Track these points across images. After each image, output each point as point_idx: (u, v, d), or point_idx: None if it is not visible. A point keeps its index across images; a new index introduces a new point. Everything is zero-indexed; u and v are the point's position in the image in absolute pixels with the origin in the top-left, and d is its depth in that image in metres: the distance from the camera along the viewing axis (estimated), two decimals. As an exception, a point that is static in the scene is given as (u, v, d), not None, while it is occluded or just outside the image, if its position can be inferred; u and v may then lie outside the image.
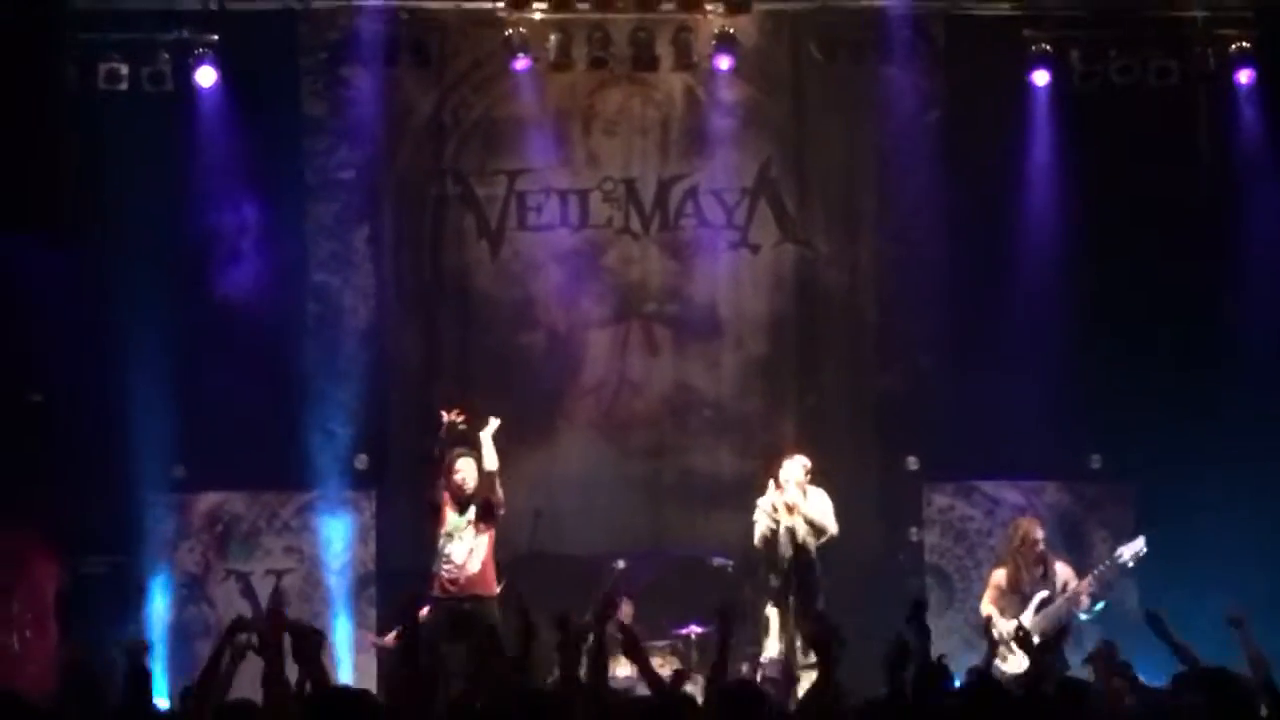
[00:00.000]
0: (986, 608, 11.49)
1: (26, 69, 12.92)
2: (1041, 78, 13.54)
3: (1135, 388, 13.22)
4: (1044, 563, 11.49)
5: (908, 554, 13.52)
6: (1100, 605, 11.45)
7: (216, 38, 13.29)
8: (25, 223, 12.90)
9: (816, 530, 11.61)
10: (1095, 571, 11.54)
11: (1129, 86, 13.44)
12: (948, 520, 13.56)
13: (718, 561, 12.78)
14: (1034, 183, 13.55)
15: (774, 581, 11.60)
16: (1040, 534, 11.58)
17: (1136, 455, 13.24)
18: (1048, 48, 13.49)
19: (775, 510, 11.59)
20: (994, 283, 13.49)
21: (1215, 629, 8.45)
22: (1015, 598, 11.42)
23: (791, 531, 11.57)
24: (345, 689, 7.50)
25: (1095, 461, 13.45)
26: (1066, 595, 11.33)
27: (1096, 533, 13.38)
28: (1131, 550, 11.49)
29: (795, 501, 11.57)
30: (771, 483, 11.65)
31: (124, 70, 13.18)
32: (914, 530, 13.55)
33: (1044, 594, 11.38)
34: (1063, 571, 11.50)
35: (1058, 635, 10.18)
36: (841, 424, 13.68)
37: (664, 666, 12.52)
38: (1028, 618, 11.26)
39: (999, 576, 11.57)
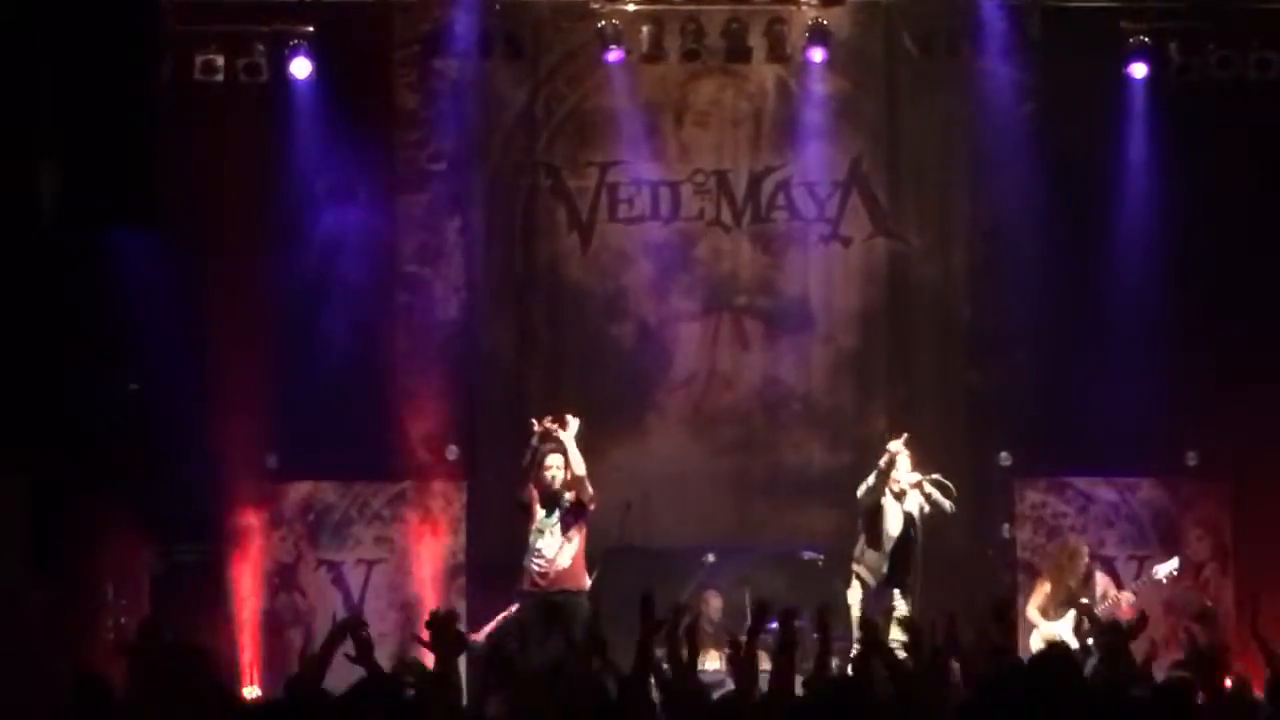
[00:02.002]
0: (1033, 613, 12.24)
1: (123, 61, 13.02)
2: (1139, 70, 13.38)
3: (1232, 384, 13.06)
4: (1088, 576, 12.28)
5: (999, 550, 13.41)
6: None
7: (311, 29, 13.36)
8: (121, 214, 13.02)
9: (935, 509, 11.73)
10: (1132, 586, 12.42)
11: (1229, 79, 13.26)
12: (1040, 517, 13.42)
13: (808, 555, 12.76)
14: (1130, 177, 13.41)
15: (880, 564, 11.72)
16: (1086, 554, 12.35)
17: (1232, 452, 13.08)
18: (1145, 40, 13.33)
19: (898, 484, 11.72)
20: (1088, 277, 13.37)
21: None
22: (1060, 605, 12.21)
23: (910, 519, 11.70)
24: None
25: (1191, 458, 13.30)
26: (1104, 604, 12.13)
27: (1192, 530, 13.23)
28: (1165, 569, 12.35)
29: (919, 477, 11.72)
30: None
31: (220, 61, 13.26)
32: (1006, 527, 13.44)
33: (1083, 601, 12.11)
34: (1102, 581, 12.35)
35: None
36: (933, 419, 13.58)
37: (755, 661, 12.52)
38: (1068, 622, 12.08)
39: (1045, 586, 12.36)
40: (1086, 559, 12.32)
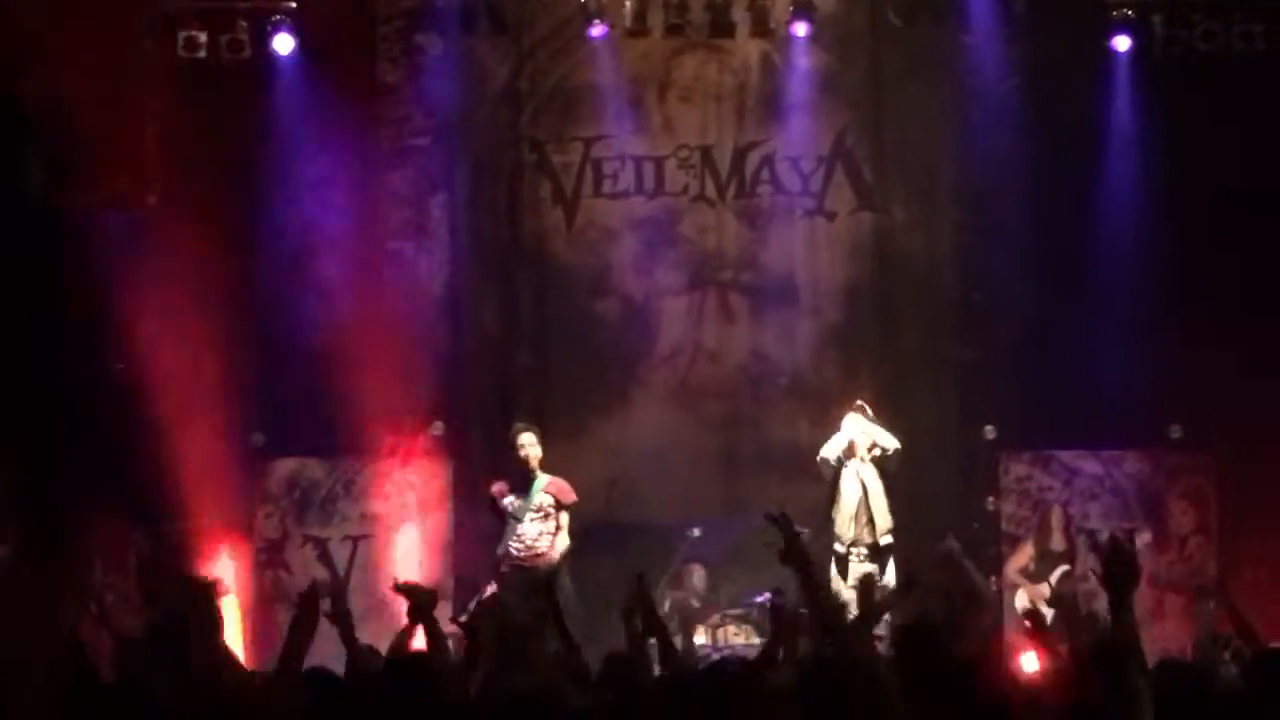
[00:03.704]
0: (1013, 574, 12.74)
1: (106, 38, 13.00)
2: (1123, 43, 13.38)
3: (1215, 357, 13.08)
4: (1070, 543, 12.69)
5: (984, 523, 13.45)
6: None
7: (294, 5, 13.34)
8: (105, 192, 13.00)
9: (886, 459, 11.96)
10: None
11: (1213, 52, 13.27)
12: (1025, 490, 13.47)
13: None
14: (1115, 150, 13.40)
15: (846, 529, 11.94)
16: (1066, 518, 12.77)
17: (1216, 425, 13.12)
18: (1129, 13, 13.32)
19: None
20: (1073, 251, 13.36)
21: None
22: (1042, 568, 12.65)
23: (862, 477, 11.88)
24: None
25: (1175, 431, 13.33)
26: (1081, 573, 12.59)
27: (1176, 503, 13.28)
28: (1142, 541, 12.73)
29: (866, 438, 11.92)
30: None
31: (202, 38, 13.23)
32: (991, 499, 13.48)
33: (1065, 568, 12.56)
34: (1083, 550, 12.69)
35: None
36: (919, 393, 13.59)
37: (739, 635, 12.56)
38: (1047, 587, 12.53)
39: (1028, 549, 12.80)
40: (1067, 523, 12.59)
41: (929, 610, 9.25)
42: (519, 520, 11.67)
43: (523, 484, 11.77)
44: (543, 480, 11.81)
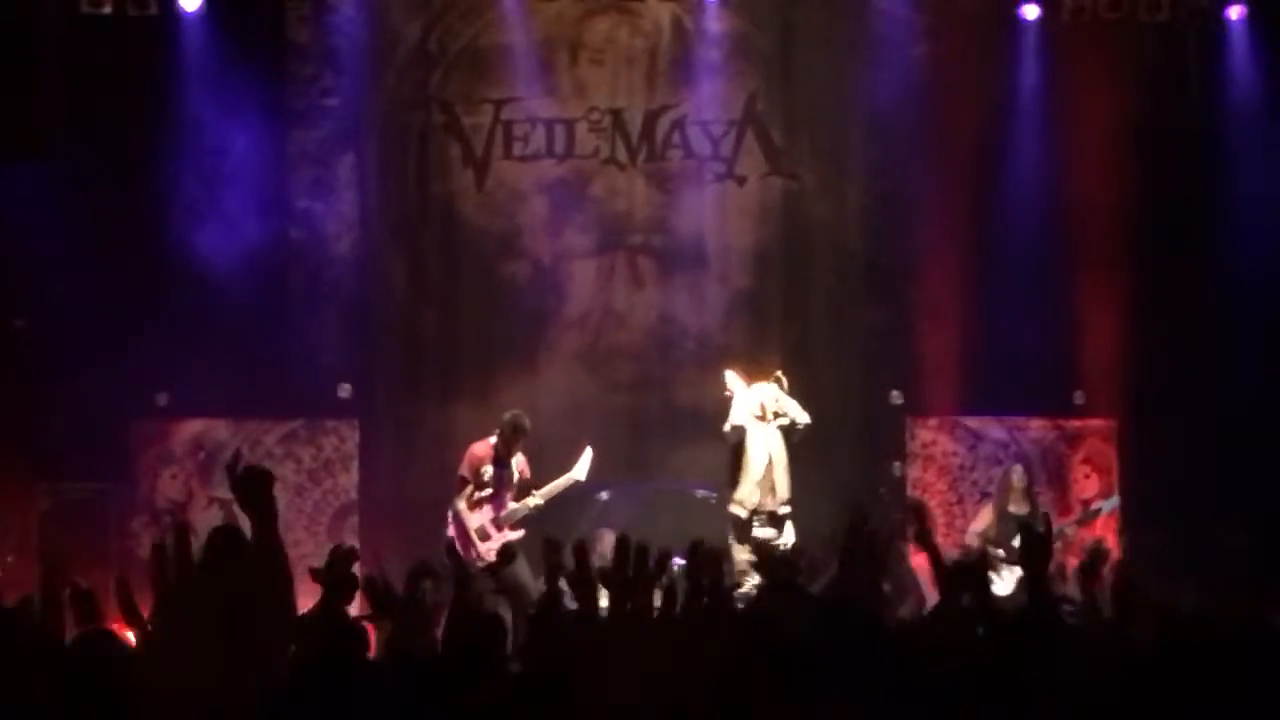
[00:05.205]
0: (972, 537, 12.41)
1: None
2: (1031, 11, 13.50)
3: (1119, 322, 13.23)
4: (1031, 502, 12.44)
5: (890, 488, 13.53)
6: None
7: (200, -38, 13.20)
8: (7, 148, 12.83)
9: (794, 431, 11.80)
10: (1075, 518, 12.81)
11: (1118, 21, 13.38)
12: (930, 455, 13.57)
13: (701, 493, 12.81)
14: (1022, 118, 13.51)
15: (751, 495, 11.76)
16: (1026, 479, 12.58)
17: (1119, 390, 13.26)
18: (1038, -19, 13.43)
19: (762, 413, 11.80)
20: (980, 217, 13.46)
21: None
22: (1003, 530, 12.28)
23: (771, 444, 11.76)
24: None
25: (1078, 397, 13.47)
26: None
27: (1079, 468, 13.42)
28: (1109, 505, 12.73)
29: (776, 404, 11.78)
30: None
31: (107, -8, 13.09)
32: (897, 465, 13.57)
33: (1022, 515, 12.16)
34: (1044, 509, 12.20)
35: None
36: (826, 357, 13.67)
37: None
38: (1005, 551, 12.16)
39: (988, 512, 12.55)
40: (1023, 481, 12.51)
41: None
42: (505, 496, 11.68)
43: (498, 461, 11.71)
44: (519, 461, 11.80)
